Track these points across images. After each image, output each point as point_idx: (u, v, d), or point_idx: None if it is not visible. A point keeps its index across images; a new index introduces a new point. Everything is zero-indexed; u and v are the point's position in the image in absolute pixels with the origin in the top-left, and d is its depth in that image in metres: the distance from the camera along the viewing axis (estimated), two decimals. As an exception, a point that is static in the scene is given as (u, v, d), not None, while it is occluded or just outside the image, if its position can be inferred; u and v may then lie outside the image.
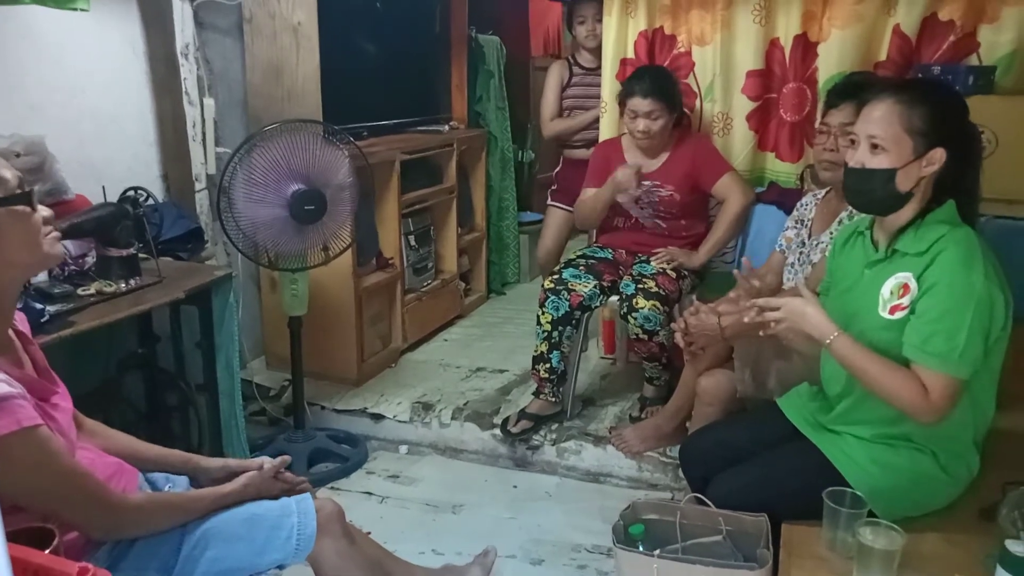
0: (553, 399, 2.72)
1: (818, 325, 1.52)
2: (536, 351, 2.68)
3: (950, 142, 1.47)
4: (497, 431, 2.76)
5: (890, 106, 1.48)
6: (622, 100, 2.67)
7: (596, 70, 3.27)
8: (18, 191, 1.22)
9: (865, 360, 1.48)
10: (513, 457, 2.73)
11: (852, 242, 1.68)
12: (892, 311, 1.49)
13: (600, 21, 3.18)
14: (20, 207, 1.21)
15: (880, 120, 1.49)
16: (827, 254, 1.81)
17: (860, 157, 1.52)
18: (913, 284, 1.46)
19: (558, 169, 3.47)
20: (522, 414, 2.72)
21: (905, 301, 1.47)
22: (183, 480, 1.54)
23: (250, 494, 1.47)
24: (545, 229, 3.51)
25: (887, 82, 2.14)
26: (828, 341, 1.50)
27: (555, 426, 2.75)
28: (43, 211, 1.28)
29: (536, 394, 2.75)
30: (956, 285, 1.41)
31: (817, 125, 2.25)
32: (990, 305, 1.42)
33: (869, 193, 1.54)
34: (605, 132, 2.96)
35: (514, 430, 2.68)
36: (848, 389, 1.60)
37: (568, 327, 2.63)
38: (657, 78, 2.63)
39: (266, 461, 1.56)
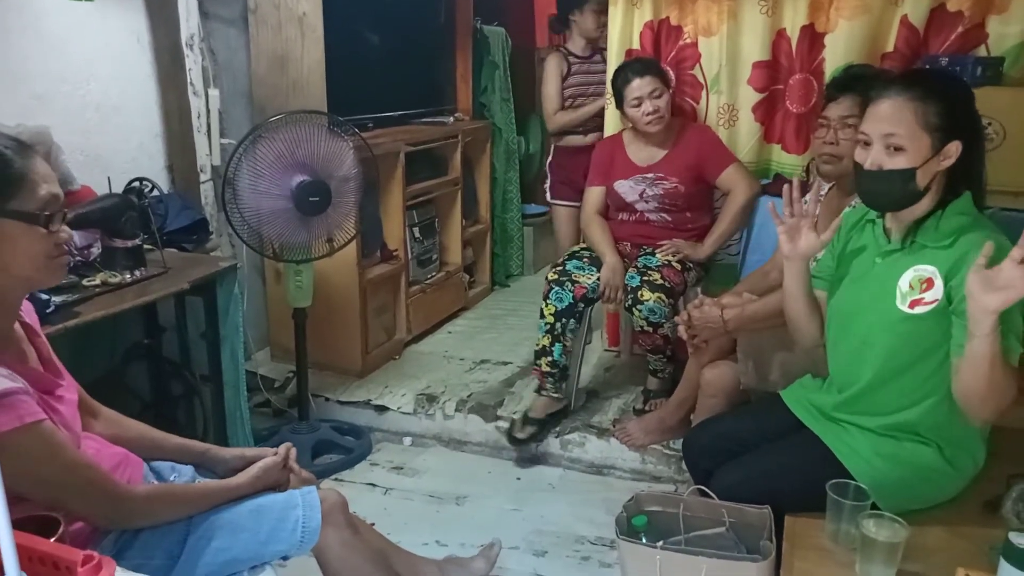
0: (556, 395, 2.70)
1: (989, 315, 1.29)
2: (538, 344, 2.66)
3: (964, 134, 1.45)
4: (501, 423, 2.76)
5: (902, 103, 1.44)
6: (619, 95, 2.66)
7: (591, 57, 3.30)
8: (45, 212, 1.21)
9: (1003, 369, 1.32)
10: (516, 449, 2.73)
11: (861, 228, 1.65)
12: (912, 305, 1.47)
13: (605, 12, 3.20)
14: (37, 227, 1.21)
15: (894, 118, 1.45)
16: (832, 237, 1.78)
17: (876, 159, 1.47)
18: (939, 281, 1.44)
19: (551, 159, 3.46)
20: (526, 419, 2.68)
21: (928, 296, 1.45)
22: (188, 470, 1.55)
23: (260, 486, 1.48)
24: (558, 229, 3.53)
25: (887, 75, 2.12)
26: (986, 335, 1.30)
27: (559, 419, 2.75)
28: (63, 234, 1.26)
29: (538, 391, 2.72)
30: None
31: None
32: None
33: (888, 195, 1.50)
34: (610, 124, 2.95)
35: (520, 435, 2.65)
36: (859, 380, 1.59)
37: (571, 319, 2.63)
38: (642, 59, 2.70)
39: (279, 451, 1.57)
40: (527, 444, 2.67)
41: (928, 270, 1.46)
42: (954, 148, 1.44)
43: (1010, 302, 1.25)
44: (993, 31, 2.37)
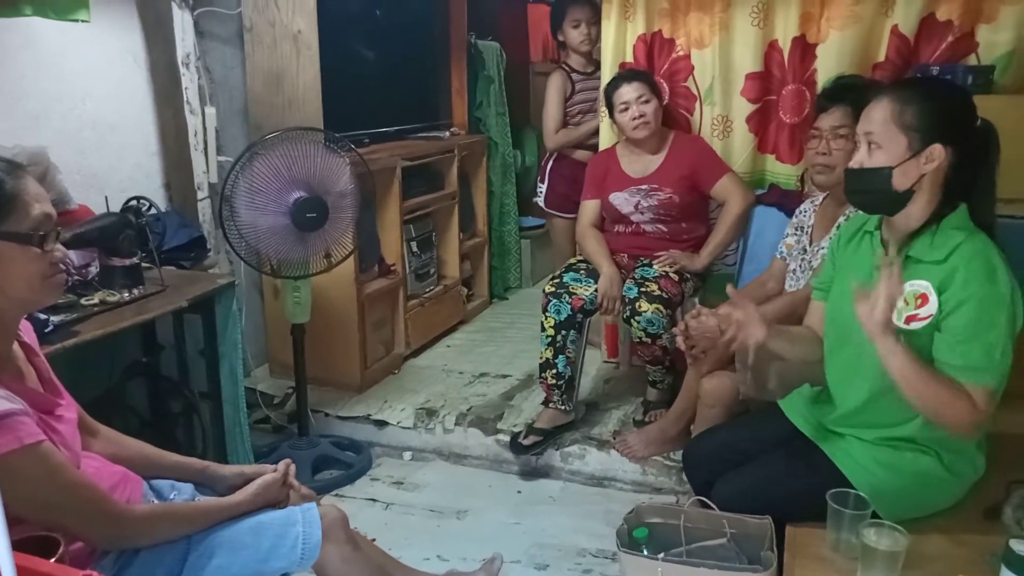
0: (563, 407, 2.69)
1: (885, 335, 1.40)
2: (541, 358, 2.67)
3: (950, 139, 1.45)
4: (501, 436, 2.75)
5: (885, 104, 1.48)
6: (609, 102, 2.70)
7: (593, 74, 3.29)
8: (39, 232, 1.22)
9: (920, 377, 1.40)
10: (517, 462, 2.72)
11: (859, 240, 1.65)
12: (908, 321, 1.47)
13: (594, 24, 3.22)
14: (31, 247, 1.21)
15: (875, 118, 1.49)
16: (830, 247, 1.79)
17: (859, 157, 1.51)
18: (933, 296, 1.44)
19: (551, 166, 3.44)
20: (531, 429, 2.67)
21: (923, 312, 1.45)
22: (188, 488, 1.55)
23: (261, 503, 1.47)
24: (556, 240, 3.56)
25: (877, 85, 2.14)
26: (887, 353, 1.40)
27: (563, 432, 2.74)
28: (57, 253, 1.27)
29: (545, 403, 2.72)
30: (986, 299, 1.40)
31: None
32: (1014, 313, 1.42)
33: (868, 193, 1.53)
34: (605, 137, 2.97)
35: (525, 442, 2.64)
36: (855, 394, 1.59)
37: (571, 331, 2.63)
38: (633, 70, 2.74)
39: (279, 467, 1.57)
40: (529, 452, 2.66)
41: (922, 285, 1.46)
42: (936, 152, 1.45)
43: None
44: (983, 40, 2.40)
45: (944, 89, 1.54)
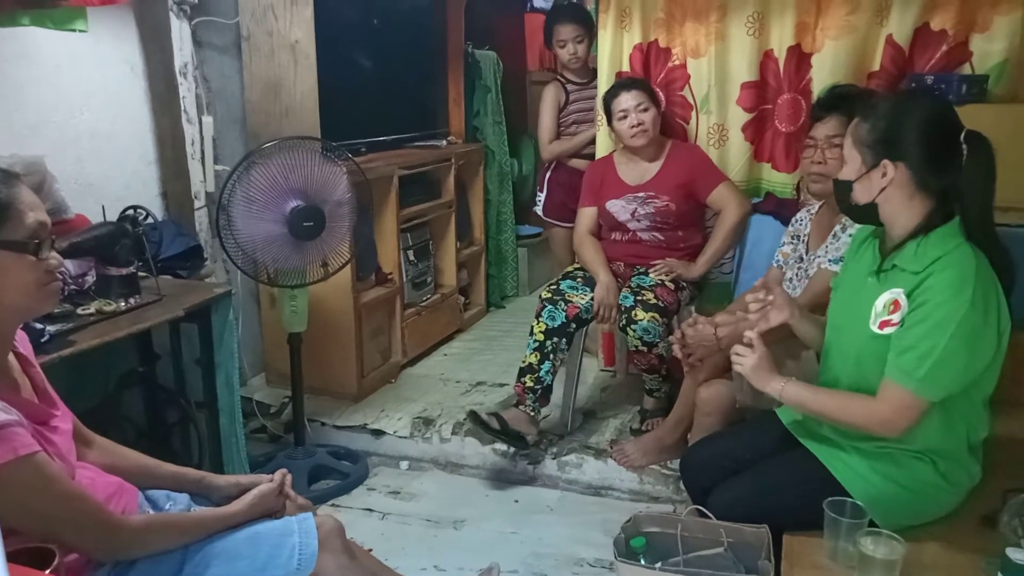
0: (531, 414, 2.63)
1: (768, 382, 1.60)
2: (524, 361, 2.64)
3: (898, 155, 1.46)
4: (498, 445, 2.74)
5: (855, 120, 1.54)
6: (607, 110, 2.71)
7: (589, 84, 3.31)
8: (34, 240, 1.22)
9: (816, 401, 1.57)
10: (514, 471, 2.72)
11: (867, 245, 1.66)
12: (881, 326, 1.48)
13: (580, 42, 3.28)
14: (27, 255, 1.22)
15: (847, 133, 1.56)
16: (847, 250, 1.81)
17: (843, 169, 1.58)
18: (903, 301, 1.46)
19: (550, 175, 3.46)
20: (495, 414, 2.59)
21: (895, 318, 1.47)
22: (184, 498, 1.54)
23: (257, 513, 1.47)
24: (556, 249, 3.57)
25: (871, 94, 2.15)
26: (780, 395, 1.59)
27: (556, 440, 2.74)
28: (53, 261, 1.27)
29: (516, 405, 2.65)
30: (941, 307, 1.40)
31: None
32: (972, 335, 1.40)
33: (841, 203, 1.61)
34: (601, 146, 2.98)
35: (481, 415, 2.56)
36: None
37: (562, 339, 2.62)
38: (632, 78, 2.76)
39: (275, 477, 1.57)
40: (482, 427, 2.55)
41: (897, 292, 1.48)
42: (889, 168, 1.47)
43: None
44: (977, 49, 2.41)
45: (900, 106, 1.52)
